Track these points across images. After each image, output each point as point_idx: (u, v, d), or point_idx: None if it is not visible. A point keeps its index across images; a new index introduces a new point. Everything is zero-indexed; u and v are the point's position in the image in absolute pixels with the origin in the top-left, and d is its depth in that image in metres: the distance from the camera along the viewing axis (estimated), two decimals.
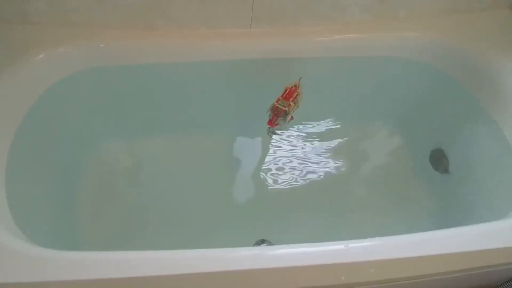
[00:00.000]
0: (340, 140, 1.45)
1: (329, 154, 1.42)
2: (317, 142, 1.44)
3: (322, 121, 1.46)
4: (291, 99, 1.12)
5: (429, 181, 1.36)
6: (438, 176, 1.34)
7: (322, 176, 1.37)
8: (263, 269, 0.76)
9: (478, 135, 1.22)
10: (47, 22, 1.13)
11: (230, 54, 1.21)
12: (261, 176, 1.35)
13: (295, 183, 1.35)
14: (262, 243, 1.15)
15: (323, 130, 1.46)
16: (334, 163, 1.40)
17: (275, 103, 1.11)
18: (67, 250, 0.76)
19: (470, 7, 1.27)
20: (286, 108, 1.10)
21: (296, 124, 1.45)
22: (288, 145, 1.42)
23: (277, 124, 1.13)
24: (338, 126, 1.46)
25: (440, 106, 1.33)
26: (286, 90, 1.14)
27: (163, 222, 1.25)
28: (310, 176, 1.37)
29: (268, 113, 1.13)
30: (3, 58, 1.05)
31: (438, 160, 1.34)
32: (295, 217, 1.29)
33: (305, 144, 1.43)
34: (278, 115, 1.11)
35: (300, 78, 1.18)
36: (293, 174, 1.37)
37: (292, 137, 1.44)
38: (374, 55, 1.26)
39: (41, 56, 1.09)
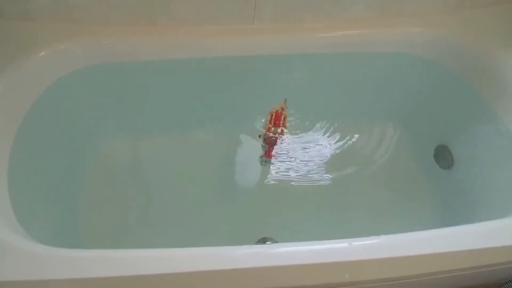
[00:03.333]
0: (344, 136, 1.44)
1: (332, 150, 1.41)
2: (320, 138, 1.43)
3: (326, 118, 1.45)
4: (281, 123, 1.11)
5: (433, 178, 1.35)
6: (442, 173, 1.33)
7: (325, 173, 1.36)
8: (267, 267, 0.75)
9: (483, 131, 1.21)
10: (49, 19, 1.13)
11: (232, 51, 1.20)
12: (264, 174, 1.35)
13: (298, 180, 1.34)
14: (265, 241, 1.15)
15: (327, 126, 1.45)
16: (338, 160, 1.40)
17: (268, 133, 1.10)
18: (69, 248, 0.76)
19: (475, 3, 1.26)
20: (280, 135, 1.09)
21: (299, 122, 1.44)
22: (291, 142, 1.42)
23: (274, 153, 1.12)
24: (342, 123, 1.46)
25: (445, 102, 1.32)
26: (272, 116, 1.13)
27: (165, 220, 1.25)
28: (313, 173, 1.36)
29: (261, 143, 1.12)
30: (5, 55, 1.05)
31: (442, 156, 1.34)
32: (298, 215, 1.28)
33: (308, 141, 1.42)
34: (274, 145, 1.10)
35: (286, 99, 1.16)
36: (296, 171, 1.36)
37: (295, 134, 1.43)
38: (378, 51, 1.26)
39: (43, 53, 1.08)
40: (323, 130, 1.44)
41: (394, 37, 1.25)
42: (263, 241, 1.15)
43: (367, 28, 1.23)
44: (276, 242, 1.13)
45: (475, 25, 1.23)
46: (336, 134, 1.45)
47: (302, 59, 1.24)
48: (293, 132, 1.42)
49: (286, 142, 1.11)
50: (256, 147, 1.39)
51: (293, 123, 1.41)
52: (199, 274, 0.74)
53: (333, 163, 1.39)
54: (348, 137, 1.44)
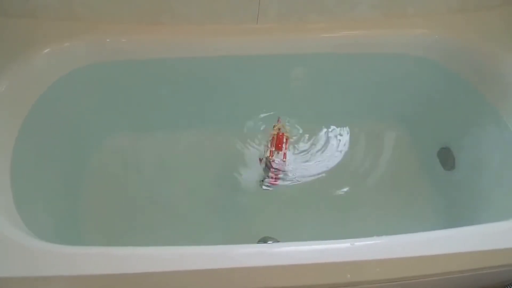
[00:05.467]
0: (347, 137, 1.44)
1: (335, 151, 1.41)
2: (323, 139, 1.43)
3: (329, 118, 1.45)
4: (284, 145, 1.08)
5: (436, 179, 1.35)
6: (445, 174, 1.33)
7: (328, 174, 1.36)
8: (268, 267, 0.75)
9: (486, 133, 1.20)
10: (52, 17, 1.13)
11: (236, 50, 1.20)
12: (266, 173, 1.35)
13: (300, 180, 1.34)
14: (266, 241, 1.14)
15: (330, 127, 1.45)
16: (341, 160, 1.39)
17: (270, 157, 1.06)
18: (70, 245, 0.76)
19: (480, 4, 1.26)
20: (285, 159, 1.06)
21: (302, 122, 1.44)
22: (293, 142, 1.41)
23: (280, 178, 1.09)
24: (345, 123, 1.46)
25: (448, 104, 1.31)
26: (273, 138, 1.10)
27: (166, 218, 1.25)
28: (315, 173, 1.36)
29: (263, 168, 1.08)
30: (8, 52, 1.05)
31: (445, 158, 1.33)
32: (300, 215, 1.28)
33: (311, 141, 1.42)
34: (278, 170, 1.07)
35: (279, 117, 1.13)
36: (299, 171, 1.36)
37: (298, 134, 1.43)
38: (382, 52, 1.25)
39: (47, 50, 1.09)
40: (326, 130, 1.44)
41: (398, 39, 1.25)
42: (264, 240, 1.15)
43: (371, 29, 1.23)
44: (278, 241, 1.13)
45: (479, 27, 1.22)
46: (338, 135, 1.44)
47: (306, 59, 1.24)
48: (297, 129, 1.42)
49: (290, 166, 1.08)
50: (259, 146, 1.40)
51: (296, 125, 1.42)
52: (200, 272, 0.74)
53: (335, 164, 1.39)
54: (351, 138, 1.44)
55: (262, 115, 1.42)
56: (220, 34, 1.18)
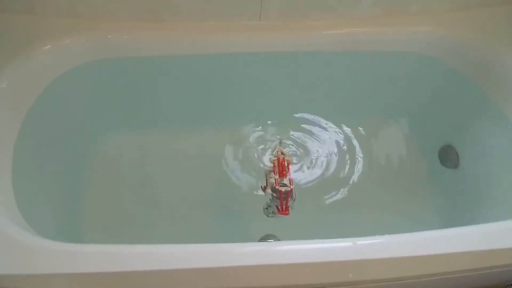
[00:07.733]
0: (349, 135, 1.44)
1: (337, 149, 1.41)
2: (325, 137, 1.43)
3: (331, 117, 1.45)
4: (287, 171, 1.05)
5: (439, 177, 1.34)
6: (447, 172, 1.33)
7: (330, 172, 1.36)
8: (270, 265, 0.75)
9: (489, 131, 1.20)
10: (53, 14, 1.13)
11: (238, 47, 1.20)
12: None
13: (303, 178, 1.34)
14: (268, 239, 1.14)
15: (332, 125, 1.45)
16: (342, 158, 1.39)
17: (276, 187, 1.02)
18: (71, 243, 0.76)
19: (483, 2, 1.25)
20: (292, 187, 1.03)
21: (304, 120, 1.44)
22: (296, 140, 1.41)
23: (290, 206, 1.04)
24: (347, 121, 1.45)
25: (451, 101, 1.31)
26: (274, 164, 1.07)
27: (167, 216, 1.25)
28: (318, 171, 1.36)
29: (272, 199, 1.05)
30: (9, 49, 1.05)
31: (448, 156, 1.33)
32: (302, 213, 1.27)
33: (313, 140, 1.42)
34: (287, 198, 1.04)
35: (280, 141, 1.13)
36: (301, 169, 1.36)
37: (300, 132, 1.43)
38: (384, 50, 1.25)
39: (47, 47, 1.08)
40: (328, 129, 1.44)
41: (400, 36, 1.24)
42: (265, 238, 1.14)
43: (373, 27, 1.23)
44: (279, 240, 1.13)
45: (483, 25, 1.22)
46: (341, 133, 1.44)
47: (308, 56, 1.24)
48: (299, 128, 1.41)
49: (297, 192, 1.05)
50: (260, 145, 1.39)
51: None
52: (201, 271, 0.73)
53: (337, 162, 1.38)
54: (352, 136, 1.44)
55: (263, 113, 1.42)
56: (222, 31, 1.18)
